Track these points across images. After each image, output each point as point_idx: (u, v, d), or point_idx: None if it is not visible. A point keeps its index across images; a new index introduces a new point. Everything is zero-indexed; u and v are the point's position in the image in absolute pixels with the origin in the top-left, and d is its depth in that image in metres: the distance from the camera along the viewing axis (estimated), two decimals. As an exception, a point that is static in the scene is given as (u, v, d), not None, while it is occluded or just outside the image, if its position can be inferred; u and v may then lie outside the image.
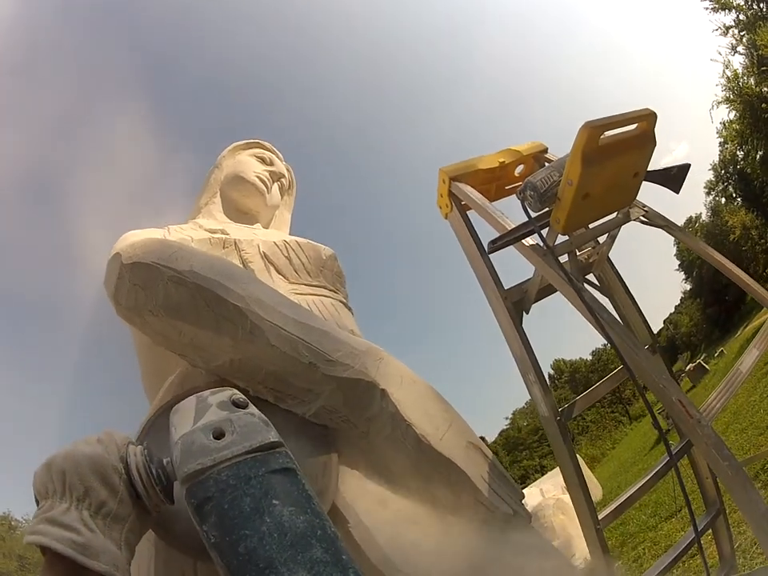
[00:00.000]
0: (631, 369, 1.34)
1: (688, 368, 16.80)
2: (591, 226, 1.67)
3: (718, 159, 18.82)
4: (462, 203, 1.70)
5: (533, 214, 1.44)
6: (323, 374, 1.05)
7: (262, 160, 2.06)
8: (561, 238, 1.54)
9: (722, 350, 15.04)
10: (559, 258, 1.47)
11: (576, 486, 1.64)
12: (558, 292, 1.69)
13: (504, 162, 1.73)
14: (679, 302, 31.68)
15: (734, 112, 12.89)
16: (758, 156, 14.08)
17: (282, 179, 2.09)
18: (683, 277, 29.71)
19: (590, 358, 36.08)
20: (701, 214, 22.48)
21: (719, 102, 12.77)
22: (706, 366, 15.88)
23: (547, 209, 1.44)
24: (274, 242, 1.58)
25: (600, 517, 1.65)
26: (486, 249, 1.43)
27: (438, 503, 1.07)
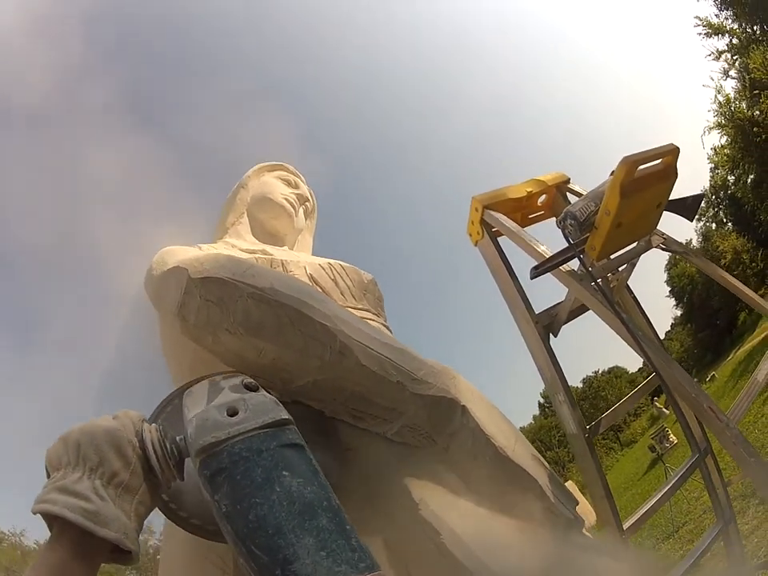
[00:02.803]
0: (665, 381, 1.50)
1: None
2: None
3: (708, 185, 19.97)
4: (493, 230, 1.84)
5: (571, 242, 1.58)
6: (410, 393, 1.13)
7: (288, 183, 2.14)
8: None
9: (714, 374, 15.75)
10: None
11: (603, 498, 1.77)
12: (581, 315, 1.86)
13: (531, 191, 1.90)
14: (670, 328, 33.07)
15: (725, 137, 13.61)
16: (749, 180, 14.88)
17: (307, 203, 2.17)
18: (674, 303, 31.23)
19: (580, 385, 37.08)
20: (691, 239, 23.79)
21: (711, 128, 13.47)
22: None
23: (583, 237, 1.59)
24: (320, 264, 1.65)
25: (625, 527, 1.78)
26: (530, 275, 1.55)
27: (512, 510, 1.17)
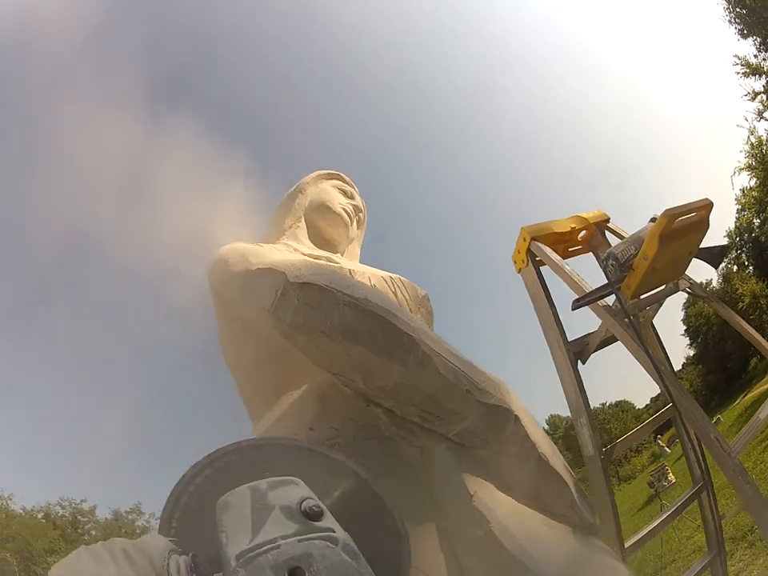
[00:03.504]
0: (681, 412, 1.76)
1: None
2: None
3: (733, 226, 20.38)
4: (537, 259, 2.10)
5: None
6: (476, 400, 1.39)
7: (344, 193, 2.39)
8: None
9: (719, 418, 16.30)
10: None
11: (610, 516, 2.03)
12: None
13: (574, 227, 2.15)
14: (681, 367, 33.74)
15: (754, 179, 13.96)
16: (774, 225, 14.97)
17: (360, 213, 2.41)
18: (688, 342, 31.88)
19: (584, 415, 37.93)
20: (711, 279, 24.25)
21: (741, 169, 13.76)
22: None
23: (621, 276, 1.85)
24: (381, 277, 1.91)
25: (626, 546, 2.03)
26: (571, 306, 1.81)
27: (545, 509, 1.43)
